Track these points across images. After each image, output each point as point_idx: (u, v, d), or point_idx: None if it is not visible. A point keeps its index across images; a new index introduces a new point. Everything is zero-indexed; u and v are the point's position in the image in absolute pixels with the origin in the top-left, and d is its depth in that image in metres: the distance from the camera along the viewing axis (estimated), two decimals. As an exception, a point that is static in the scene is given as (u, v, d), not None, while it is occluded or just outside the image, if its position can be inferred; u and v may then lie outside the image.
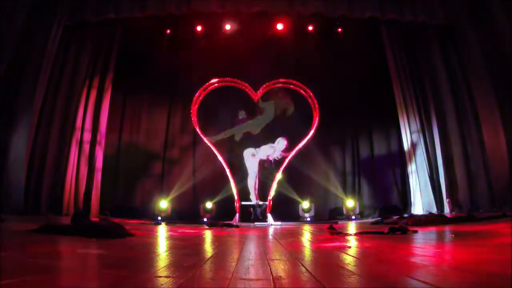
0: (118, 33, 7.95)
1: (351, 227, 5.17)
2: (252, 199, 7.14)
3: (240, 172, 7.54)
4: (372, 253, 2.26)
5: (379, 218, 6.30)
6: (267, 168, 7.26)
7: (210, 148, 7.21)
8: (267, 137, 7.64)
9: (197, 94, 7.24)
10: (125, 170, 8.09)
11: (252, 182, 7.10)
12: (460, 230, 3.73)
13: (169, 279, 1.41)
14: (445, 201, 7.03)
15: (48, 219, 4.09)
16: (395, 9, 7.54)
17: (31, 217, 5.42)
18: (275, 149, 7.24)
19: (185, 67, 8.29)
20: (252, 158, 7.15)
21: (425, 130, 7.55)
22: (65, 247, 2.64)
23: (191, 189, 8.08)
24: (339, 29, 8.44)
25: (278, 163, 7.25)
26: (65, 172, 7.11)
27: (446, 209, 6.88)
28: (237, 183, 7.07)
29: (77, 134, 7.40)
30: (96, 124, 7.60)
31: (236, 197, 6.89)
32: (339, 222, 6.25)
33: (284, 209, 7.56)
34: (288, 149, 7.21)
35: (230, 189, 7.04)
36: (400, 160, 8.05)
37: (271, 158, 7.21)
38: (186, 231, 4.70)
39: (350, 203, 7.54)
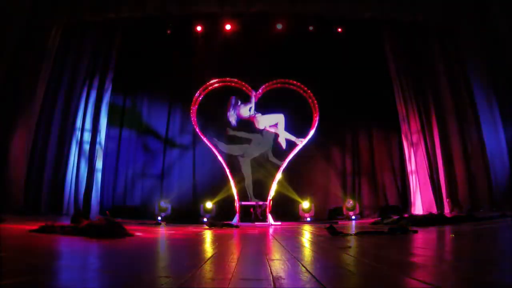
0: (118, 33, 7.94)
1: (351, 227, 5.17)
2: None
3: (239, 172, 7.54)
4: (372, 253, 2.26)
5: (379, 218, 6.30)
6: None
7: (210, 148, 7.20)
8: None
9: (196, 94, 7.23)
10: (125, 170, 8.09)
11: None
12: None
13: (169, 279, 1.41)
14: (445, 201, 7.03)
15: (48, 219, 4.08)
16: (395, 9, 7.53)
17: (31, 217, 5.42)
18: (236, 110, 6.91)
19: (185, 67, 8.27)
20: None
21: (425, 130, 7.54)
22: (65, 247, 2.64)
23: (191, 189, 8.07)
24: (339, 29, 8.42)
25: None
26: (65, 172, 7.11)
27: (446, 209, 6.88)
28: (237, 183, 7.07)
29: (77, 134, 7.40)
30: (96, 124, 7.59)
31: (236, 197, 6.88)
32: (339, 222, 6.24)
33: (284, 209, 7.54)
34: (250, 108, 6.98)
35: (230, 189, 7.03)
36: (400, 160, 8.04)
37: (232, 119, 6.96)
38: (186, 231, 4.70)
39: (350, 203, 7.53)
